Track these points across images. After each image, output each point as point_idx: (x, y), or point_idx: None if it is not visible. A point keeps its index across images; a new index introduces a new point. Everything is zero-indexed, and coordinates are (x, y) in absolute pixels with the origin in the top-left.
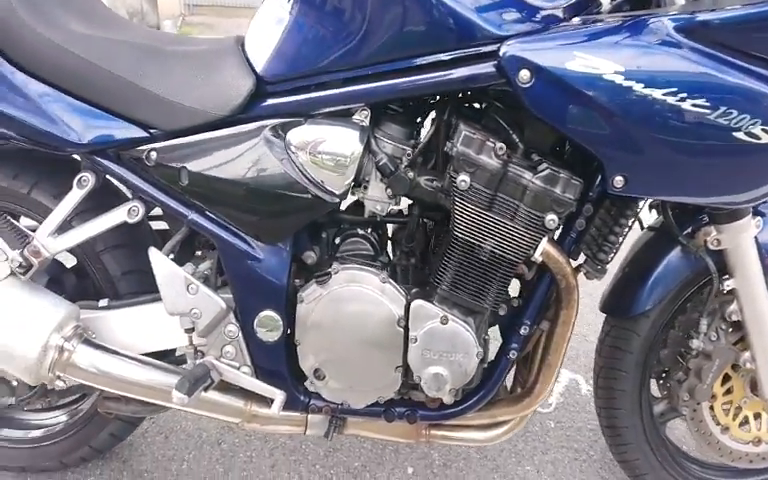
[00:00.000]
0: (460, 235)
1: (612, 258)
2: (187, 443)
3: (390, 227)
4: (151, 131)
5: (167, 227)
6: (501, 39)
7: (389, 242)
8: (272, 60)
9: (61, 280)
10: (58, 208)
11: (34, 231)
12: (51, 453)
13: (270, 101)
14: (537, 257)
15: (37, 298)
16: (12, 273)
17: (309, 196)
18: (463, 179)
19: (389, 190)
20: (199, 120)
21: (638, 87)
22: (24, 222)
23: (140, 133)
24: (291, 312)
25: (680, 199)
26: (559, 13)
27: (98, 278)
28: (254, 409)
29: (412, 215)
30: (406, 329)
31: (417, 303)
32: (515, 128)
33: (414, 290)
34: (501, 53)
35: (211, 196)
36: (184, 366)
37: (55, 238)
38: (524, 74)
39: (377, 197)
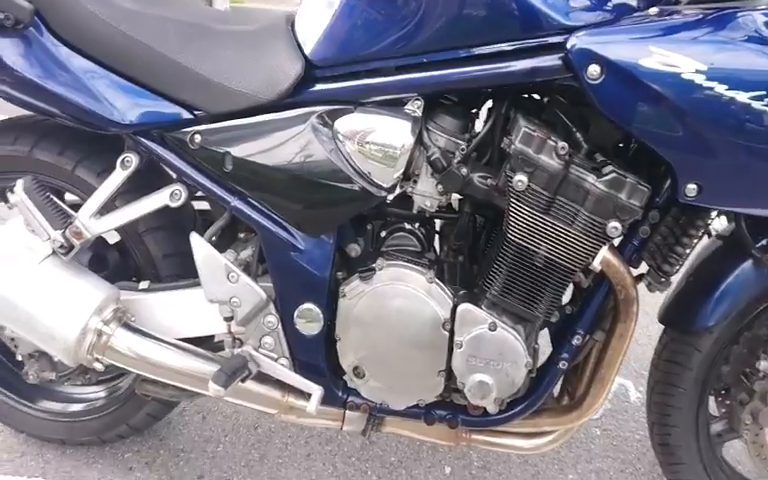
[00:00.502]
0: (514, 238)
1: (678, 270)
2: (224, 425)
3: (438, 222)
4: (196, 113)
5: (210, 207)
6: (569, 30)
7: (437, 237)
8: (322, 43)
9: (104, 257)
10: (101, 189)
11: (77, 208)
12: (90, 428)
13: (318, 86)
14: (596, 266)
15: (78, 279)
16: (53, 253)
17: (355, 188)
18: (520, 179)
19: (440, 186)
20: (245, 104)
21: (721, 89)
22: (69, 197)
23: (184, 115)
24: (332, 306)
25: (759, 212)
26: (633, 2)
27: (140, 258)
28: (291, 401)
29: (463, 212)
30: (451, 333)
31: (464, 307)
32: (578, 125)
33: (461, 292)
34: (569, 45)
35: (255, 183)
36: (222, 353)
37: (97, 219)
38: (593, 69)
39: (427, 192)
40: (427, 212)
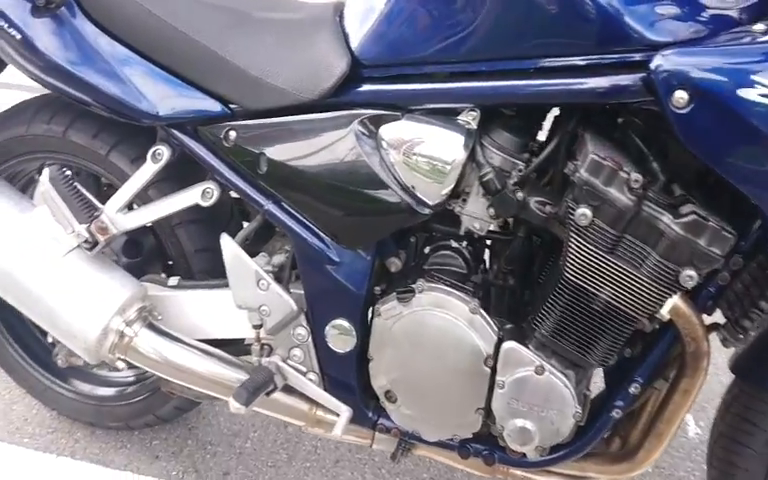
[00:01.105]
0: (571, 277)
1: (758, 327)
2: (254, 420)
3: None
4: (231, 107)
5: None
6: (654, 46)
7: (485, 253)
8: (371, 40)
9: (140, 241)
10: (129, 182)
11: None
12: (117, 414)
13: (364, 87)
14: (664, 315)
15: (102, 275)
16: (78, 245)
17: (398, 202)
18: (583, 213)
19: (491, 209)
20: (284, 102)
21: None
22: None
23: (220, 109)
24: (366, 322)
25: None
26: (734, 13)
27: (172, 251)
28: (319, 414)
29: (516, 236)
30: (493, 370)
31: (510, 346)
32: (656, 152)
33: (508, 327)
34: (653, 65)
35: (290, 188)
36: (250, 357)
37: (124, 214)
38: (680, 96)
39: (477, 214)
40: (476, 234)
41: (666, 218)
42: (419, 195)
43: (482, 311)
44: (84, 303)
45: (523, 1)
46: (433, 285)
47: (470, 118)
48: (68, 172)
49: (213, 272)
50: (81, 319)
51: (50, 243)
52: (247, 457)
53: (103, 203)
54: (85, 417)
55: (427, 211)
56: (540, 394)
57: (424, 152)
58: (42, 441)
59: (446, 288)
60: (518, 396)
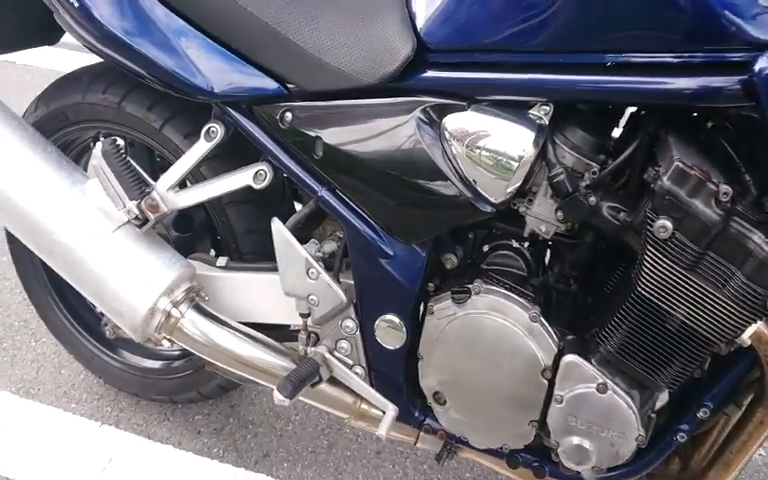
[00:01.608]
0: (644, 292)
1: None
2: (296, 403)
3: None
4: (289, 87)
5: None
6: (759, 46)
7: (546, 255)
8: (438, 22)
9: (190, 216)
10: (181, 160)
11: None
12: (161, 387)
13: (429, 73)
14: (745, 340)
15: (151, 253)
16: (129, 221)
17: (458, 197)
18: (663, 225)
19: (560, 213)
20: (343, 84)
21: None
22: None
23: (276, 89)
24: (418, 319)
25: None
26: None
27: (222, 229)
28: (363, 408)
29: (583, 240)
30: (551, 383)
31: (571, 359)
32: (748, 163)
33: (569, 338)
34: (756, 67)
35: (346, 175)
36: (295, 344)
37: (175, 193)
38: None
39: (543, 216)
40: (540, 236)
41: (756, 237)
42: (482, 191)
43: (542, 319)
44: (132, 281)
45: None
46: (491, 287)
47: (542, 113)
48: (121, 147)
49: (262, 254)
50: (128, 297)
51: (100, 218)
52: (288, 440)
53: (155, 177)
54: (130, 388)
55: (489, 209)
56: (601, 413)
57: (490, 146)
58: (88, 408)
59: (505, 292)
60: (577, 413)
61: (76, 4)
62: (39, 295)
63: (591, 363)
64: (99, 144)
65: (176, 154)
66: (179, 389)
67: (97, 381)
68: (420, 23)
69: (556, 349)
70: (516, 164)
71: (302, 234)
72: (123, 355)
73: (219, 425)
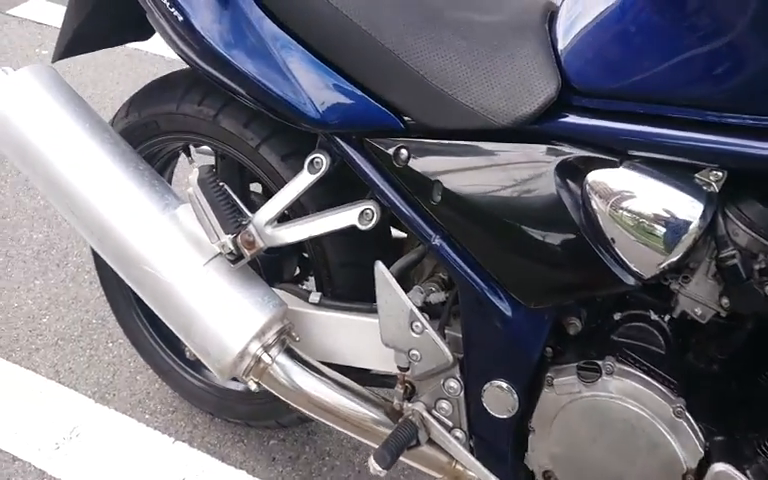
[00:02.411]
0: None
1: None
2: None
3: None
4: (406, 121)
5: None
6: None
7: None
8: (589, 59)
9: None
10: (282, 193)
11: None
12: (239, 411)
13: (574, 119)
14: None
15: (243, 291)
16: (221, 254)
17: (597, 265)
18: None
19: (725, 300)
20: (471, 124)
21: None
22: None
23: (393, 121)
24: (531, 387)
25: None
26: None
27: (315, 259)
28: (458, 468)
29: (744, 326)
30: None
31: (721, 469)
32: None
33: (718, 439)
34: None
35: (466, 225)
36: (389, 392)
37: (273, 228)
38: None
39: (701, 298)
40: (693, 318)
41: None
42: (629, 262)
43: (688, 415)
44: (222, 321)
45: None
46: (626, 369)
47: (712, 179)
48: (218, 175)
49: (357, 289)
50: (217, 338)
51: (191, 248)
52: (365, 477)
53: (246, 190)
54: (206, 406)
55: (634, 282)
56: None
57: (645, 213)
58: (162, 420)
59: (644, 376)
60: None
61: (180, 18)
62: (118, 299)
63: (746, 475)
64: (195, 171)
65: (272, 176)
66: (257, 415)
67: (172, 392)
68: (566, 58)
69: (702, 451)
70: (677, 237)
71: (406, 275)
72: (203, 373)
73: (295, 453)
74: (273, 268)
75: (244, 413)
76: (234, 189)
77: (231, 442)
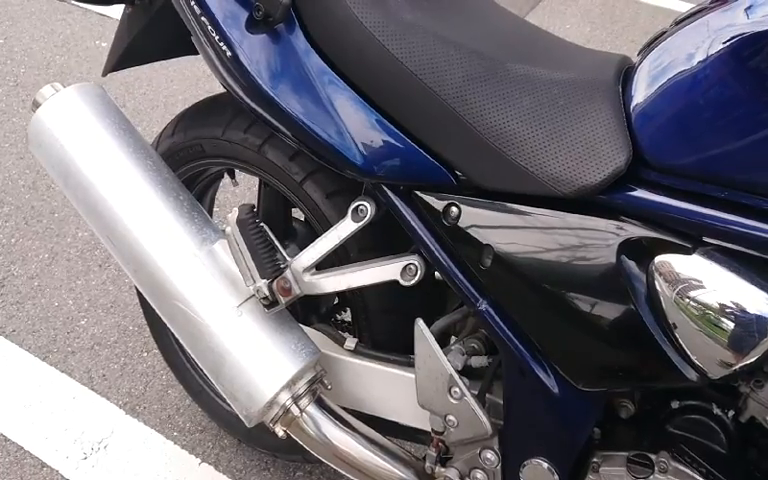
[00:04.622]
0: None
1: None
2: None
3: None
4: (459, 177)
5: None
6: None
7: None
8: (667, 132)
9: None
10: (323, 239)
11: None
12: (267, 441)
13: (644, 194)
14: None
15: (276, 337)
16: (254, 296)
17: (658, 356)
18: None
19: None
20: (530, 189)
21: None
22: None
23: (445, 176)
24: (576, 467)
25: None
26: None
27: (352, 301)
28: None
29: None
30: None
31: None
32: None
33: None
34: None
35: (516, 294)
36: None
37: (311, 275)
38: None
39: None
40: (762, 424)
41: None
42: (695, 358)
43: None
44: (252, 368)
45: None
46: (681, 469)
47: None
48: (258, 216)
49: (395, 337)
50: (246, 385)
51: (226, 287)
52: None
53: (287, 222)
54: (234, 433)
55: (697, 378)
56: None
57: (718, 307)
58: (189, 440)
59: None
60: None
61: (229, 53)
62: (153, 314)
63: None
64: (235, 211)
65: (314, 212)
66: (285, 448)
67: (201, 410)
68: (640, 128)
69: None
70: (753, 340)
71: (445, 333)
72: None
73: None
74: (310, 299)
75: (272, 444)
76: (276, 214)
77: (257, 469)
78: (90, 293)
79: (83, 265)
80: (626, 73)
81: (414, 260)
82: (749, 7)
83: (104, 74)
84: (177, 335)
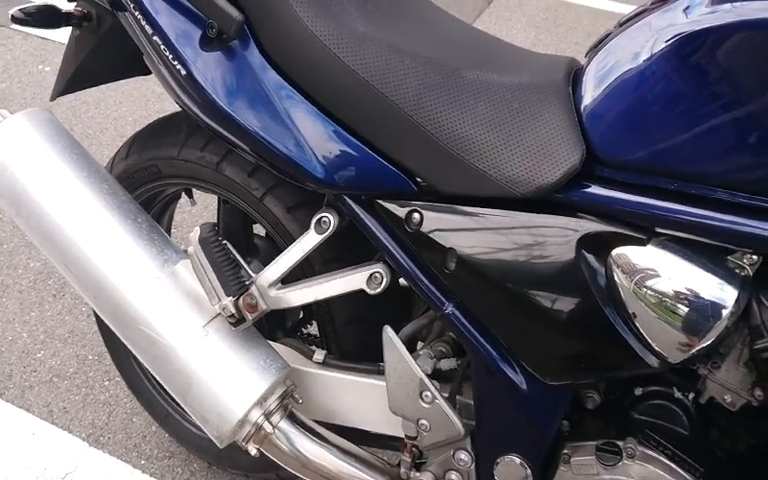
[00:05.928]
0: None
1: None
2: None
3: None
4: (420, 183)
5: None
6: None
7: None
8: (618, 129)
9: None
10: (287, 254)
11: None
12: (238, 462)
13: (599, 190)
14: None
15: (244, 355)
16: (220, 315)
17: (619, 346)
18: None
19: (759, 392)
20: (489, 191)
21: None
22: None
23: (406, 184)
24: (547, 460)
25: None
26: None
27: (318, 313)
28: None
29: None
30: None
31: None
32: None
33: None
34: None
35: (481, 296)
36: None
37: (277, 289)
38: None
39: (731, 386)
40: (721, 404)
41: None
42: (655, 345)
43: None
44: (221, 388)
45: None
46: (648, 453)
47: (746, 262)
48: (220, 235)
49: (364, 347)
50: (215, 405)
51: (190, 308)
52: None
53: (248, 233)
54: (204, 456)
55: (658, 364)
56: None
57: (673, 295)
58: (158, 466)
59: (668, 463)
60: None
61: (184, 72)
62: (114, 340)
63: None
64: (197, 230)
65: (276, 227)
66: (257, 467)
67: (169, 436)
68: (591, 126)
69: None
70: (708, 322)
71: (414, 338)
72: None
73: None
74: (276, 314)
75: (244, 464)
76: (237, 231)
77: None
78: (45, 324)
79: (36, 296)
80: (575, 74)
81: (379, 268)
82: (687, 7)
83: (52, 98)
84: (142, 360)
